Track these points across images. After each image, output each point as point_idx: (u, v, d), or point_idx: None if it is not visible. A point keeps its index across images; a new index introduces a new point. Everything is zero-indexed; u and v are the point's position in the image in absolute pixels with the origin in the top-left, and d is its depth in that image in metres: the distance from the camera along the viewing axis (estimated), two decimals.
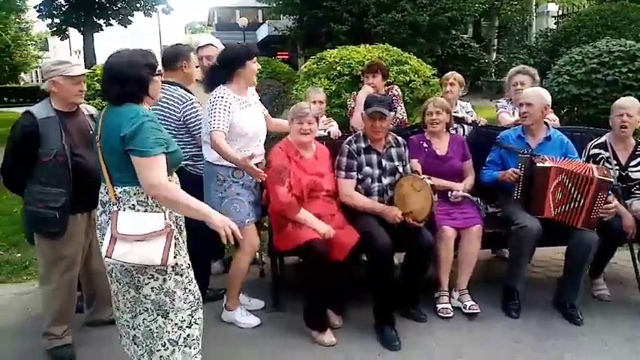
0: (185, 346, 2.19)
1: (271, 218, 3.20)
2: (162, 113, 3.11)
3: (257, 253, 3.90)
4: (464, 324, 3.17)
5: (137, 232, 2.01)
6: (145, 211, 2.08)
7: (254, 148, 3.06)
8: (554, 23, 16.72)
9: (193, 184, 2.87)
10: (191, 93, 3.25)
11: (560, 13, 18.34)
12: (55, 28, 21.38)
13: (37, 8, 21.01)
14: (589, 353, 2.86)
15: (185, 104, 3.15)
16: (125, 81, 2.07)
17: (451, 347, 2.93)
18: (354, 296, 3.23)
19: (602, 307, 3.36)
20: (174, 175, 2.25)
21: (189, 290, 2.20)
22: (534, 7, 20.69)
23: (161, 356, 2.16)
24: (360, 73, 5.06)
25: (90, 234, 2.80)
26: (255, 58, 3.06)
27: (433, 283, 3.36)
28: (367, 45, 7.43)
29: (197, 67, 3.45)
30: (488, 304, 3.32)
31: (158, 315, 2.15)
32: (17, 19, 30.57)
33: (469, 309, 3.21)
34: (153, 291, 2.12)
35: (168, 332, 2.16)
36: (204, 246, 3.20)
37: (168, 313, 2.15)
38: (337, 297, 3.15)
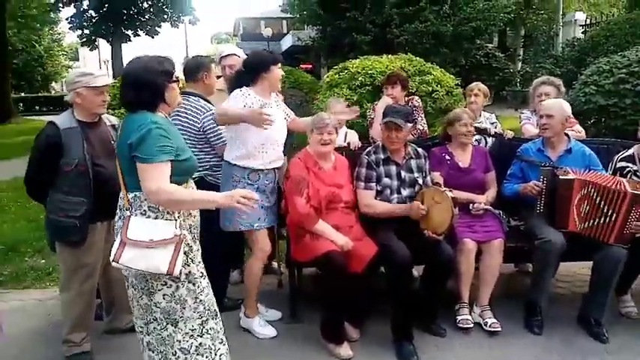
0: (197, 354, 2.19)
1: (289, 229, 3.19)
2: (183, 123, 3.17)
3: (275, 264, 3.92)
4: (484, 340, 3.10)
5: (146, 239, 2.03)
6: (156, 217, 2.09)
7: (271, 150, 3.07)
8: (582, 32, 16.44)
9: None
10: (211, 104, 3.29)
11: (588, 22, 18.02)
12: (84, 39, 21.94)
13: (69, 20, 21.61)
14: None
15: (205, 115, 3.20)
16: (140, 87, 2.09)
17: None
18: (373, 310, 3.19)
19: (629, 325, 3.25)
20: (191, 182, 2.27)
21: (200, 300, 2.19)
22: (561, 15, 20.40)
23: None
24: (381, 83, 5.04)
25: (110, 242, 2.84)
26: (279, 64, 3.07)
27: (453, 297, 3.30)
28: (390, 55, 7.42)
29: (219, 77, 3.49)
30: (510, 319, 3.25)
31: (168, 324, 2.16)
32: (50, 31, 31.59)
33: (490, 327, 3.14)
34: (164, 298, 2.13)
35: (179, 341, 2.16)
36: (222, 254, 3.23)
37: (177, 321, 2.15)
38: (355, 310, 3.11)
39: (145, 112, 2.10)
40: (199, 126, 3.20)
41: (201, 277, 2.22)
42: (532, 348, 3.01)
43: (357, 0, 12.55)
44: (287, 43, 29.04)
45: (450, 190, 3.03)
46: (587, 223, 3.09)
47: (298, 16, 15.62)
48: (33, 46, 29.60)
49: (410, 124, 3.21)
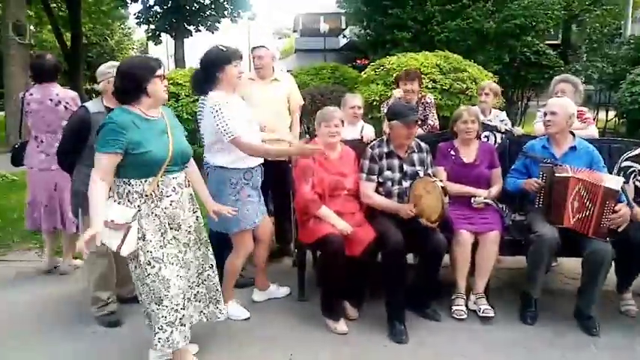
0: (181, 325, 2.56)
1: (297, 213, 3.46)
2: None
3: (291, 245, 4.20)
4: (477, 327, 3.24)
5: (107, 218, 2.39)
6: (119, 202, 2.46)
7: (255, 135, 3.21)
8: None
9: None
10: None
11: None
12: (150, 34, 23.09)
13: (136, 15, 22.84)
14: None
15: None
16: (124, 78, 2.45)
17: (457, 347, 3.02)
18: (374, 292, 3.40)
19: (626, 322, 3.30)
20: (173, 177, 2.54)
21: (180, 277, 2.57)
22: (630, 12, 19.35)
23: (160, 338, 2.53)
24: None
25: None
26: (233, 63, 3.04)
27: (453, 285, 3.46)
28: (426, 52, 7.51)
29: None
30: (507, 310, 3.38)
31: (152, 302, 2.53)
32: (121, 26, 33.36)
33: (483, 312, 3.28)
34: (149, 278, 2.50)
35: (165, 317, 2.51)
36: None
37: (162, 300, 2.50)
38: (354, 291, 3.35)
39: (122, 106, 2.47)
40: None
41: (182, 255, 2.62)
42: (522, 337, 3.11)
43: None
44: (345, 38, 29.11)
45: (440, 180, 3.20)
46: (576, 217, 3.18)
47: (348, 13, 15.81)
48: (106, 40, 31.37)
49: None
